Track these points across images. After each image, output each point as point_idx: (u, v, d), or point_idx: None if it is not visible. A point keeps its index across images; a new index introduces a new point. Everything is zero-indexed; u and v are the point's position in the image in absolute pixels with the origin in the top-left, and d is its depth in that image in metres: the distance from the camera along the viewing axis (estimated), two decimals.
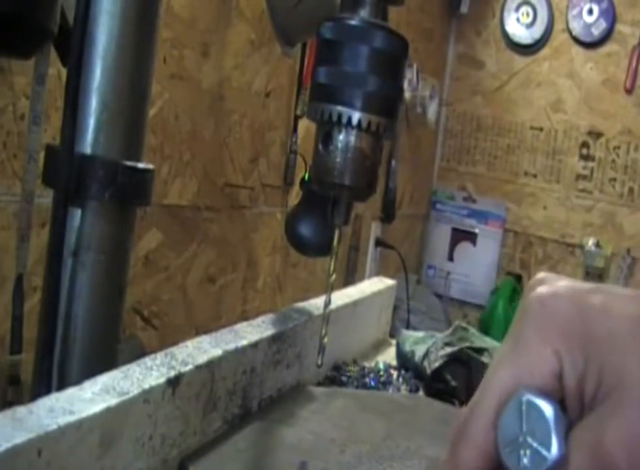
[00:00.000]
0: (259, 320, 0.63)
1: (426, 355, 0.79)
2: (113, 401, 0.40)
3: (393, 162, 2.16)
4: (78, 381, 0.43)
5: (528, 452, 0.26)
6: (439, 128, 2.74)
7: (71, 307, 0.52)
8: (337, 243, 0.55)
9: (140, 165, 0.55)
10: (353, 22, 0.50)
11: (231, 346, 0.54)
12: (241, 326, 0.60)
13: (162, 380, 0.45)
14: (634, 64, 2.39)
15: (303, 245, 0.62)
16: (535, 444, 0.26)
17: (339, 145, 0.51)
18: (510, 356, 0.28)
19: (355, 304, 0.83)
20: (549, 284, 0.28)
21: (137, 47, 0.54)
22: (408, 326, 1.85)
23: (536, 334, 0.27)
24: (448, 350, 0.77)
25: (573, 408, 0.26)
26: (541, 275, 0.29)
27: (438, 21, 2.55)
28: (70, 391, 0.41)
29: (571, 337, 0.26)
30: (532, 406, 0.26)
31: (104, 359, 0.54)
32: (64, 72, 0.53)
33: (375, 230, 2.20)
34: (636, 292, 0.27)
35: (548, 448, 0.26)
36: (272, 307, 1.52)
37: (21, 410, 0.37)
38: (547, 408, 0.26)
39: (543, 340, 0.27)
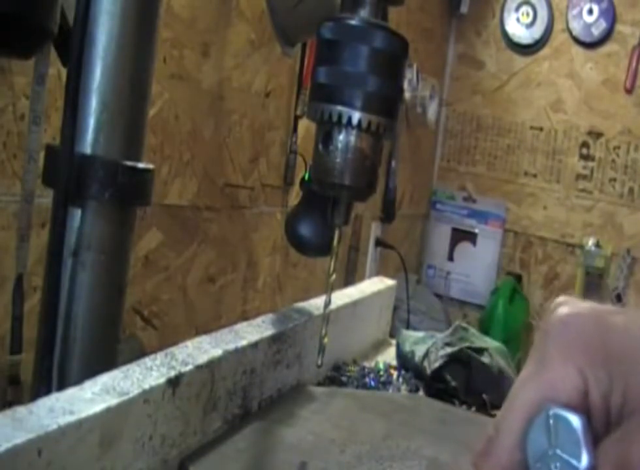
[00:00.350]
0: (259, 320, 0.63)
1: (426, 355, 0.79)
2: (113, 401, 0.40)
3: (393, 162, 2.16)
4: (78, 381, 0.43)
5: (558, 464, 0.26)
6: (439, 128, 2.73)
7: (71, 307, 0.52)
8: (337, 243, 0.55)
9: (140, 165, 0.55)
10: (353, 22, 0.50)
11: (231, 346, 0.54)
12: (241, 326, 0.60)
13: (162, 380, 0.45)
14: (634, 64, 2.39)
15: (303, 245, 0.62)
16: (565, 456, 0.26)
17: (339, 145, 0.51)
18: (534, 375, 0.28)
19: (355, 304, 0.83)
20: (571, 305, 0.28)
21: (137, 47, 0.54)
22: (408, 326, 1.85)
23: (560, 353, 0.27)
24: (448, 350, 0.77)
25: (600, 423, 0.26)
26: (561, 298, 0.29)
27: (438, 21, 2.55)
28: (70, 391, 0.41)
29: (594, 355, 0.26)
30: (560, 419, 0.27)
31: (104, 359, 0.54)
32: (64, 72, 0.53)
33: (375, 230, 2.20)
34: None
35: (579, 460, 0.26)
36: (272, 307, 1.52)
37: (21, 410, 0.37)
38: (575, 421, 0.26)
39: (566, 358, 0.27)
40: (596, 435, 0.26)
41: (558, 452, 0.27)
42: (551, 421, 0.27)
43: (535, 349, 0.29)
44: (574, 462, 0.26)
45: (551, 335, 0.28)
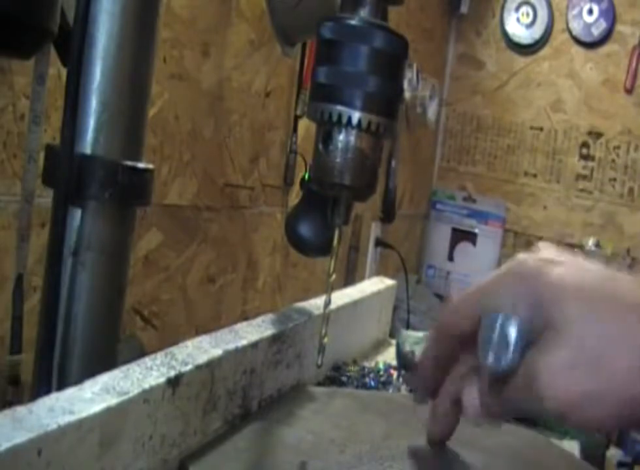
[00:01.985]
0: (259, 320, 0.63)
1: None
2: (113, 401, 0.40)
3: (393, 162, 2.16)
4: (78, 381, 0.43)
5: (494, 352, 0.38)
6: (439, 128, 2.73)
7: (71, 307, 0.52)
8: (337, 243, 0.55)
9: (140, 165, 0.55)
10: (353, 22, 0.50)
11: (231, 346, 0.54)
12: (241, 326, 0.60)
13: (162, 380, 0.45)
14: (634, 64, 2.39)
15: (303, 245, 0.62)
16: (499, 349, 0.38)
17: (339, 145, 0.51)
18: (489, 288, 0.41)
19: (355, 304, 0.83)
20: (536, 252, 0.40)
21: (137, 47, 0.54)
22: (408, 326, 1.85)
23: (506, 279, 0.40)
24: None
25: (528, 335, 0.38)
26: (540, 244, 0.41)
27: (438, 21, 2.55)
28: (70, 391, 0.41)
29: (527, 290, 0.38)
30: (504, 321, 0.38)
31: (104, 359, 0.54)
32: (64, 72, 0.53)
33: (375, 230, 2.20)
34: (597, 267, 0.38)
35: (506, 355, 0.37)
36: (272, 307, 1.52)
37: (21, 410, 0.37)
38: (513, 327, 0.38)
39: (510, 284, 0.39)
40: (527, 341, 0.37)
41: (495, 344, 0.38)
42: (498, 321, 0.38)
43: (494, 273, 0.41)
44: (503, 356, 0.38)
45: (508, 267, 0.40)
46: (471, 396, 0.42)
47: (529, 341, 0.37)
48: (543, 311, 0.37)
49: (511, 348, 0.37)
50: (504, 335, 0.38)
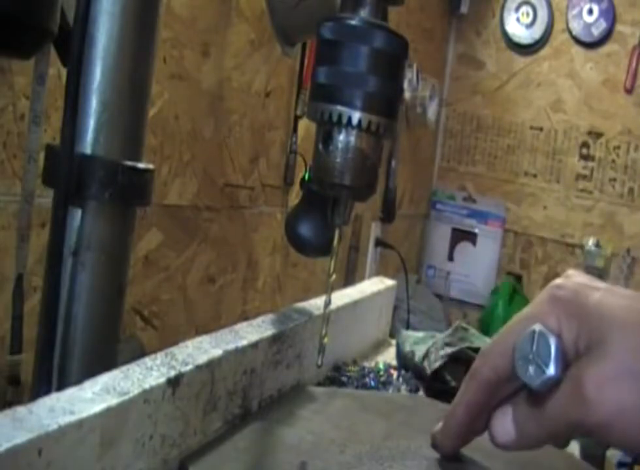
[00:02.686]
0: (259, 320, 0.63)
1: (426, 355, 0.79)
2: (113, 401, 0.40)
3: (393, 162, 2.16)
4: (78, 381, 0.43)
5: (534, 366, 0.37)
6: (439, 128, 2.74)
7: (71, 307, 0.52)
8: (337, 243, 0.55)
9: (140, 165, 0.55)
10: (353, 22, 0.50)
11: (231, 346, 0.54)
12: (241, 326, 0.60)
13: (162, 380, 0.45)
14: (634, 64, 2.39)
15: (303, 245, 0.62)
16: (539, 362, 0.37)
17: (339, 145, 0.51)
18: (528, 316, 0.40)
19: (355, 304, 0.83)
20: (570, 277, 0.41)
21: (137, 47, 0.54)
22: (408, 326, 1.85)
23: (548, 304, 0.40)
24: (448, 350, 0.77)
25: (570, 355, 0.38)
26: (570, 271, 0.42)
27: (438, 21, 2.55)
28: (70, 391, 0.41)
29: (570, 313, 0.38)
30: (542, 336, 0.38)
31: (104, 359, 0.54)
32: (64, 72, 0.53)
33: (375, 230, 2.20)
34: (630, 293, 0.39)
35: (548, 367, 0.37)
36: (272, 307, 1.52)
37: (21, 410, 0.37)
38: (553, 340, 0.37)
39: (552, 309, 0.39)
40: (567, 360, 0.37)
41: (536, 358, 0.37)
42: (536, 336, 0.38)
43: (533, 302, 0.41)
44: (544, 368, 0.37)
45: (546, 293, 0.40)
46: (504, 419, 0.41)
47: (571, 359, 0.37)
48: (587, 331, 0.37)
49: (552, 361, 0.37)
50: (544, 348, 0.37)
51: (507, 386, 0.41)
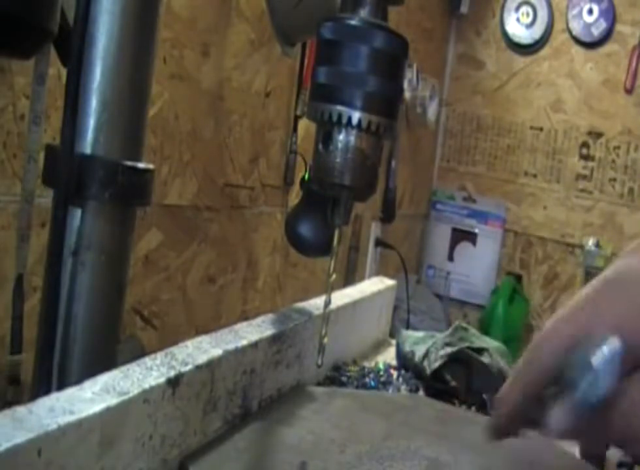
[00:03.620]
0: (259, 320, 0.63)
1: (426, 355, 0.79)
2: (113, 401, 0.40)
3: (393, 162, 2.16)
4: (78, 381, 0.43)
5: (590, 378, 0.32)
6: (439, 128, 2.74)
7: (71, 307, 0.52)
8: (337, 243, 0.55)
9: (140, 165, 0.55)
10: (353, 22, 0.50)
11: (231, 346, 0.54)
12: (241, 326, 0.60)
13: (162, 380, 0.45)
14: (634, 64, 2.39)
15: (303, 245, 0.62)
16: (597, 373, 0.32)
17: (339, 145, 0.51)
18: (584, 313, 0.34)
19: (355, 304, 0.83)
20: (629, 259, 0.34)
21: (137, 47, 0.54)
22: (408, 326, 1.85)
23: (608, 302, 0.33)
24: (448, 350, 0.77)
25: (628, 366, 0.32)
26: (633, 244, 0.36)
27: (438, 21, 2.55)
28: (70, 391, 0.41)
29: (635, 313, 0.32)
30: (603, 345, 0.32)
31: (104, 359, 0.54)
32: (64, 72, 0.53)
33: (375, 230, 2.20)
34: None
35: (606, 378, 0.32)
36: (272, 307, 1.52)
37: (21, 410, 0.37)
38: (610, 349, 0.32)
39: (612, 310, 0.33)
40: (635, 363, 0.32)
41: (593, 368, 0.32)
42: (595, 345, 0.32)
43: (589, 289, 0.34)
44: (601, 380, 0.32)
45: (604, 283, 0.34)
46: (561, 416, 0.35)
47: (636, 364, 0.33)
48: None
49: (605, 379, 0.32)
50: (601, 359, 0.32)
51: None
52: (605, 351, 0.32)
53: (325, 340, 0.56)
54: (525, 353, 0.38)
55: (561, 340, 0.35)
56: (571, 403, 0.34)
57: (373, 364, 0.85)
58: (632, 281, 0.33)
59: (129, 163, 0.53)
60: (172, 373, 0.46)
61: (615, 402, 0.32)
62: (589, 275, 2.44)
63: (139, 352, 0.78)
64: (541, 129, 2.59)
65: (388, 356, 0.90)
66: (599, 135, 2.49)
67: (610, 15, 2.42)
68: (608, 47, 2.45)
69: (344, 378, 0.76)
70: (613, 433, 0.34)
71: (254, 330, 0.60)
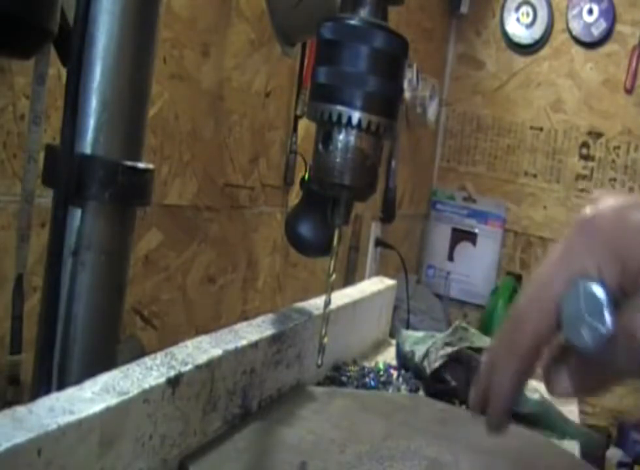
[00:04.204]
0: (259, 320, 0.63)
1: (426, 355, 0.79)
2: (113, 401, 0.40)
3: (393, 162, 2.16)
4: (78, 381, 0.43)
5: (585, 327, 0.33)
6: (439, 128, 2.74)
7: (71, 307, 0.52)
8: (337, 243, 0.55)
9: (140, 165, 0.55)
10: (353, 22, 0.50)
11: (231, 346, 0.54)
12: (241, 326, 0.60)
13: (162, 380, 0.45)
14: (634, 64, 2.39)
15: (303, 245, 0.62)
16: (591, 321, 0.32)
17: (339, 145, 0.51)
18: (562, 262, 0.35)
19: (355, 304, 0.83)
20: (600, 203, 0.35)
21: (137, 47, 0.54)
22: (408, 326, 1.85)
23: (582, 246, 0.34)
24: (448, 350, 0.77)
25: (617, 298, 0.32)
26: (596, 193, 0.36)
27: (438, 21, 2.55)
28: (70, 391, 0.41)
29: (609, 248, 0.33)
30: (587, 288, 0.33)
31: (104, 359, 0.54)
32: (64, 72, 0.53)
33: (375, 230, 2.20)
34: None
35: (602, 324, 0.32)
36: (272, 307, 1.52)
37: (21, 410, 0.37)
38: (600, 291, 0.32)
39: (588, 252, 0.34)
40: (615, 304, 0.32)
41: (587, 317, 0.33)
42: (581, 291, 0.33)
43: (565, 240, 0.35)
44: (599, 326, 0.32)
45: (577, 231, 0.34)
46: (560, 378, 0.36)
47: (620, 304, 0.32)
48: (633, 266, 0.32)
49: (606, 315, 0.32)
50: (592, 303, 0.32)
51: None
52: (595, 295, 0.32)
53: (325, 340, 0.56)
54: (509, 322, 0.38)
55: (537, 319, 0.35)
56: (575, 361, 0.35)
57: (373, 364, 0.85)
58: (602, 226, 0.34)
59: (129, 163, 0.53)
60: (172, 373, 0.46)
61: (607, 352, 0.32)
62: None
63: (139, 352, 0.78)
64: (541, 129, 2.59)
65: (388, 356, 0.90)
66: (599, 135, 2.49)
67: (610, 15, 2.42)
68: (608, 47, 2.45)
69: (344, 378, 0.76)
70: (607, 381, 0.35)
71: (254, 330, 0.60)
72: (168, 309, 1.22)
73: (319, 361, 0.56)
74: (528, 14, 2.55)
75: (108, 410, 0.40)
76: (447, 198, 2.74)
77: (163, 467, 0.46)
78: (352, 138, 0.51)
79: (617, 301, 0.33)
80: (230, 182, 1.35)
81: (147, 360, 0.48)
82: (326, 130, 0.51)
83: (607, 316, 0.32)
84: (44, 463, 0.35)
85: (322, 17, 0.52)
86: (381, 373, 0.81)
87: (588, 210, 0.35)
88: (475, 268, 2.68)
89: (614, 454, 2.25)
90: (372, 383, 0.77)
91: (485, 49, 2.68)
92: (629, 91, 2.41)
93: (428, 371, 0.77)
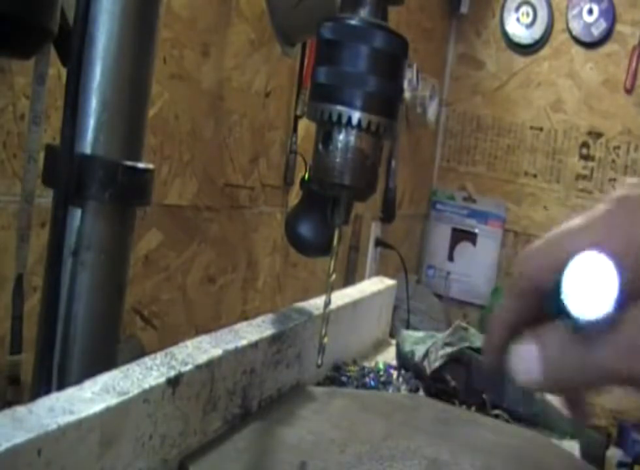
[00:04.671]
0: (259, 320, 0.63)
1: (426, 355, 0.79)
2: (113, 401, 0.40)
3: (393, 162, 2.16)
4: (78, 381, 0.43)
5: (588, 298, 0.29)
6: (439, 128, 2.74)
7: (71, 307, 0.52)
8: (337, 243, 0.55)
9: (140, 165, 0.55)
10: (353, 22, 0.50)
11: (231, 346, 0.54)
12: (241, 326, 0.60)
13: (162, 380, 0.45)
14: (634, 64, 2.39)
15: (303, 245, 0.62)
16: (596, 294, 0.29)
17: (339, 145, 0.51)
18: (584, 226, 0.32)
19: (355, 304, 0.83)
20: (631, 188, 0.32)
21: (137, 47, 0.54)
22: (408, 326, 1.85)
23: (610, 221, 0.31)
24: (448, 350, 0.77)
25: (635, 290, 0.29)
26: (631, 180, 0.34)
27: (438, 21, 2.55)
28: (70, 391, 0.41)
29: (629, 242, 0.30)
30: (603, 263, 0.29)
31: (104, 359, 0.54)
32: (64, 72, 0.53)
33: (375, 230, 2.20)
34: None
35: (607, 302, 0.28)
36: (272, 307, 1.52)
37: (21, 410, 0.37)
38: (617, 270, 0.28)
39: (615, 228, 0.31)
40: (631, 296, 0.29)
41: (592, 288, 0.29)
42: (594, 262, 0.29)
43: (592, 213, 0.32)
44: (603, 303, 0.28)
45: (609, 207, 0.32)
46: (528, 354, 0.31)
47: (636, 295, 0.29)
48: None
49: (615, 295, 0.29)
50: (604, 278, 0.29)
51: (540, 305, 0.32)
52: (611, 272, 0.29)
53: (325, 340, 0.56)
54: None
55: (538, 266, 0.33)
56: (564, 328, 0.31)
57: (373, 364, 0.85)
58: (635, 206, 0.31)
59: (129, 163, 0.53)
60: (172, 373, 0.46)
61: (601, 338, 0.29)
62: None
63: (139, 352, 0.78)
64: (541, 129, 2.59)
65: (388, 356, 0.90)
66: (599, 135, 2.49)
67: (610, 15, 2.42)
68: (608, 47, 2.45)
69: (344, 378, 0.76)
70: (588, 374, 0.30)
71: (254, 330, 0.60)
72: (168, 309, 1.22)
73: (319, 361, 0.56)
74: (527, 14, 2.56)
75: (108, 410, 0.40)
76: (447, 198, 2.74)
77: (163, 467, 0.46)
78: (352, 138, 0.51)
79: (634, 291, 0.29)
80: (230, 182, 1.35)
81: (147, 360, 0.48)
82: (326, 130, 0.51)
83: (616, 297, 0.28)
84: (44, 463, 0.35)
85: (322, 17, 0.52)
86: (381, 373, 0.81)
87: (624, 192, 0.32)
88: (475, 268, 2.68)
89: (614, 453, 2.26)
90: (372, 383, 0.77)
91: (485, 49, 2.68)
92: (629, 91, 2.41)
93: (428, 371, 0.77)
